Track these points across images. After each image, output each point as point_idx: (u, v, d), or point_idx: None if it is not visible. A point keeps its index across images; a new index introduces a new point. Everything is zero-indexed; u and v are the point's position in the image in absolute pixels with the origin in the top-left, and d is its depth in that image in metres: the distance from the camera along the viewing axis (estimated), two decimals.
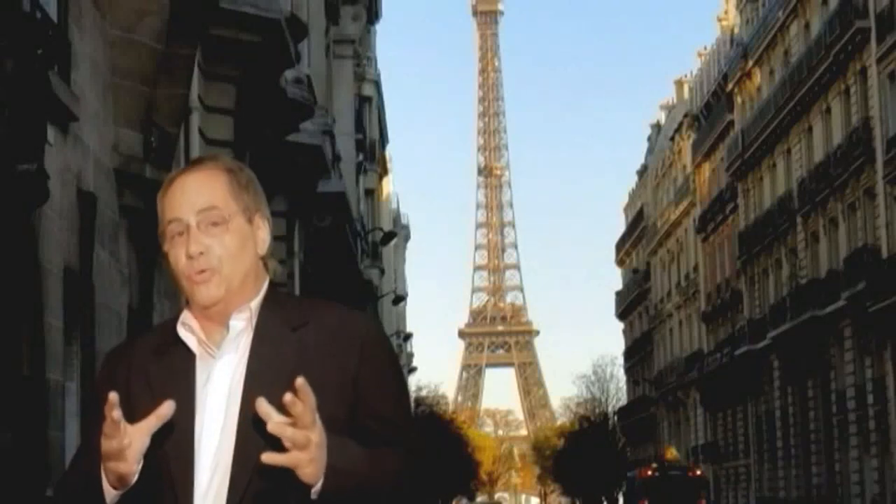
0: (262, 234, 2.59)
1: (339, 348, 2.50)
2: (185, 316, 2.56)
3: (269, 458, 2.31)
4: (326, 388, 2.46)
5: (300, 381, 2.30)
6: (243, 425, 2.42)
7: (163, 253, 2.57)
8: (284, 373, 2.46)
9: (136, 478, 2.40)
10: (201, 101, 15.01)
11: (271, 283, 2.61)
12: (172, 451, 2.43)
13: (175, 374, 2.52)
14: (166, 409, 2.37)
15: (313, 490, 2.34)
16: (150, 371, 2.54)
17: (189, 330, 2.55)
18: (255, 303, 2.55)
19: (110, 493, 2.42)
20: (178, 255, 2.52)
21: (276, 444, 2.35)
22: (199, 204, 2.52)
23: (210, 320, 2.55)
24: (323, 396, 2.45)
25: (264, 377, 2.47)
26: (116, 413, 2.32)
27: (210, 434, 2.46)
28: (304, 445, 2.30)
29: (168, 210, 2.55)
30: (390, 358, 2.57)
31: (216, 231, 2.52)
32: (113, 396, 2.33)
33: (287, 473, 2.34)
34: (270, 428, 2.30)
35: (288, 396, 2.29)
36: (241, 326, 2.53)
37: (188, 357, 2.54)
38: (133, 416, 2.49)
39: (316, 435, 2.31)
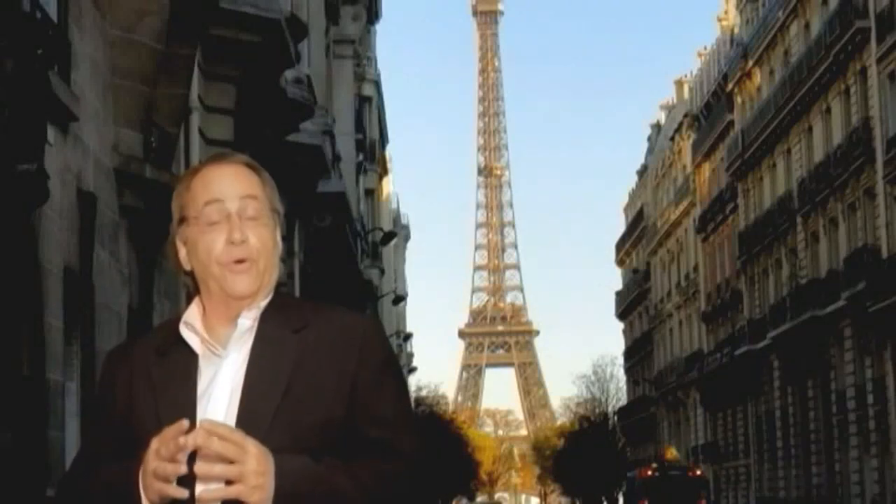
0: (278, 235, 2.60)
1: (338, 351, 2.50)
2: (188, 315, 2.55)
3: (207, 493, 2.32)
4: (325, 391, 2.47)
5: (205, 423, 2.30)
6: (241, 426, 2.41)
7: (178, 236, 2.53)
8: (283, 375, 2.46)
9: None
10: (201, 101, 15.01)
11: (276, 284, 2.62)
12: None
13: (177, 374, 2.51)
14: (183, 426, 2.34)
15: None
16: (153, 372, 2.53)
17: (192, 329, 2.54)
18: (264, 302, 2.55)
19: None
20: (215, 240, 2.48)
21: (275, 445, 2.36)
22: (241, 190, 2.50)
23: (226, 310, 2.52)
24: (321, 399, 2.46)
25: (263, 379, 2.47)
26: (183, 440, 2.30)
27: None
28: (238, 478, 2.30)
29: (204, 192, 2.50)
30: (390, 360, 2.56)
31: (253, 224, 2.50)
32: (185, 422, 2.32)
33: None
34: (196, 469, 2.30)
35: (199, 437, 2.28)
36: (248, 325, 2.53)
37: (190, 357, 2.53)
38: (135, 416, 2.49)
39: (252, 463, 2.29)
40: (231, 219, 2.48)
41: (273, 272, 2.55)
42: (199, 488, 2.34)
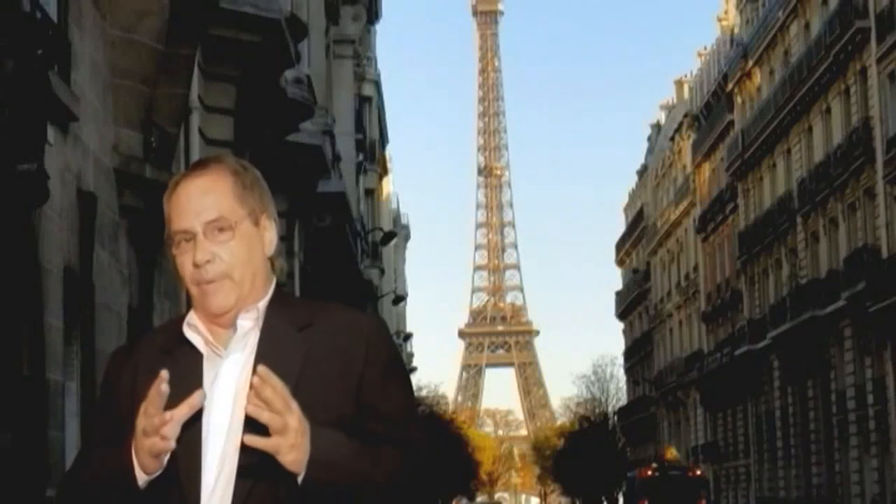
0: (269, 234, 2.60)
1: (344, 349, 2.52)
2: (191, 317, 2.57)
3: (250, 439, 2.35)
4: (332, 388, 2.50)
5: (262, 369, 2.34)
6: (250, 424, 2.42)
7: (171, 256, 2.58)
8: (290, 373, 2.47)
9: (166, 460, 2.42)
10: (201, 101, 15.01)
11: (277, 284, 2.63)
12: (180, 450, 2.44)
13: (182, 373, 2.52)
14: (197, 398, 2.40)
15: (298, 479, 2.37)
16: (157, 370, 2.53)
17: (195, 330, 2.56)
18: (263, 303, 2.56)
19: (142, 477, 2.43)
20: (185, 263, 2.53)
21: None
22: (204, 215, 2.52)
23: (218, 324, 2.56)
24: (329, 396, 2.49)
25: None
26: (165, 386, 2.36)
27: (217, 433, 2.48)
28: (281, 430, 2.33)
29: (175, 219, 2.55)
30: (395, 358, 2.58)
31: (223, 238, 2.53)
32: (164, 373, 2.37)
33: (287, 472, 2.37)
34: (248, 410, 2.34)
35: (255, 380, 2.33)
36: (249, 326, 2.55)
37: (195, 357, 2.55)
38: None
39: (294, 420, 2.34)
40: (196, 239, 2.52)
41: (259, 274, 2.57)
42: (245, 437, 2.36)
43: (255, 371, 2.47)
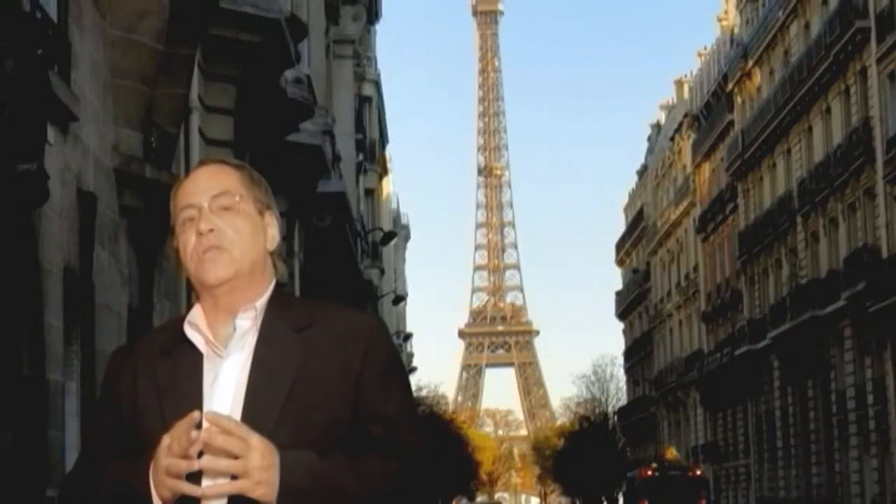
0: (272, 230, 2.61)
1: (343, 350, 2.51)
2: (193, 315, 2.57)
3: (212, 489, 2.33)
4: (331, 389, 2.49)
5: (209, 415, 2.32)
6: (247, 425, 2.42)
7: (174, 243, 2.58)
8: (288, 374, 2.47)
9: None
10: (201, 101, 15.01)
11: (277, 284, 2.62)
12: None
13: (182, 373, 2.52)
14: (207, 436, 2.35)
15: None
16: (157, 371, 2.54)
17: (196, 329, 2.55)
18: (261, 303, 2.56)
19: None
20: (189, 238, 2.53)
21: (280, 445, 2.36)
22: (211, 189, 2.54)
23: (217, 309, 2.54)
24: (328, 397, 2.48)
25: (268, 378, 2.48)
26: (196, 433, 2.32)
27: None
28: (243, 473, 2.31)
29: (181, 199, 2.56)
30: (394, 359, 2.57)
31: (227, 214, 2.54)
32: (196, 415, 2.33)
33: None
34: (202, 464, 2.31)
35: (204, 434, 2.29)
36: (247, 326, 2.54)
37: (195, 357, 2.54)
38: (140, 415, 2.50)
39: (255, 459, 2.31)
40: (202, 212, 2.53)
41: (259, 264, 2.57)
42: (205, 483, 2.35)
43: (251, 374, 2.45)
